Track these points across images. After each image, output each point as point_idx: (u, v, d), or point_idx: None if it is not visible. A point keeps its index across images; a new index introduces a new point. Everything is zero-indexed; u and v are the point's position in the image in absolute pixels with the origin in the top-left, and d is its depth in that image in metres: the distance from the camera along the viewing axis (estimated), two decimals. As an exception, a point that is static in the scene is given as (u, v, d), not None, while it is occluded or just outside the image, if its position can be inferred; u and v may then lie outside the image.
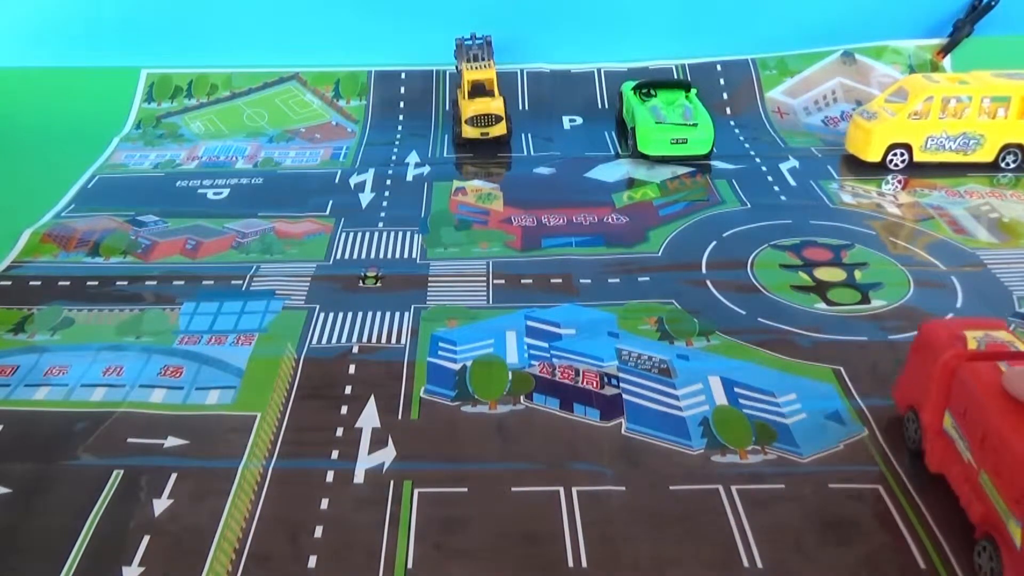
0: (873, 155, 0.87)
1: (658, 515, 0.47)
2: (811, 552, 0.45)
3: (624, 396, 0.56)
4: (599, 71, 1.08)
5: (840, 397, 0.55)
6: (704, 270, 0.71)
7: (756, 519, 0.46)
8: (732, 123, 1.00)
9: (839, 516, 0.47)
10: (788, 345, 0.61)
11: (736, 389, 0.56)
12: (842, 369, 0.58)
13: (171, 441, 0.53)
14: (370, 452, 0.52)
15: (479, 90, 0.94)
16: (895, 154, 0.87)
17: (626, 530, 0.46)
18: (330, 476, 0.50)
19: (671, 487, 0.49)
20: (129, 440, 0.53)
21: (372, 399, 0.56)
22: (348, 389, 0.58)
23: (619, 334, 0.62)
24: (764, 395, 0.56)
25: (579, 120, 1.03)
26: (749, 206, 0.81)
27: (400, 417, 0.55)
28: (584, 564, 0.44)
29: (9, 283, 0.71)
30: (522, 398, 0.56)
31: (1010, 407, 0.42)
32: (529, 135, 0.99)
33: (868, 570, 0.44)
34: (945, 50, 1.05)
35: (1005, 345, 0.46)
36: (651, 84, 0.96)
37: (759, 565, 0.44)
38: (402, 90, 1.08)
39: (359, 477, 0.50)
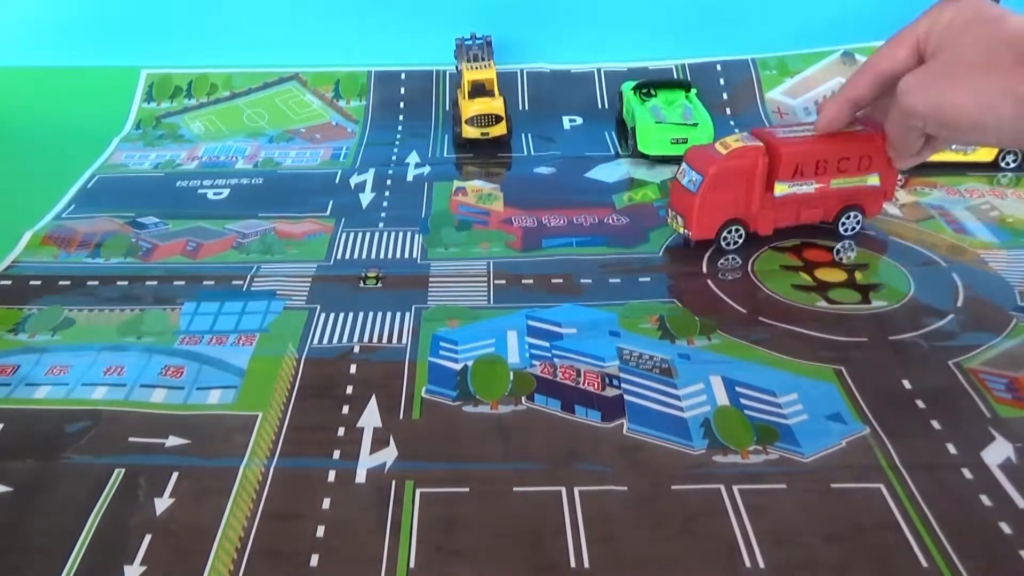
0: (873, 155, 0.87)
1: (660, 515, 0.47)
2: (813, 552, 0.45)
3: (625, 397, 0.56)
4: (599, 71, 1.08)
5: (842, 397, 0.55)
6: (705, 270, 0.71)
7: (758, 519, 0.46)
8: (732, 123, 1.00)
9: (841, 516, 0.47)
10: (789, 345, 0.61)
11: (737, 388, 0.56)
12: (843, 369, 0.58)
13: (172, 440, 0.53)
14: (371, 452, 0.52)
15: (479, 90, 0.94)
16: (895, 154, 0.86)
17: (628, 530, 0.46)
18: (331, 476, 0.50)
19: (673, 487, 0.49)
20: (130, 439, 0.53)
21: (373, 399, 0.56)
22: (349, 389, 0.58)
23: (620, 333, 0.62)
24: (765, 395, 0.56)
25: (579, 120, 1.03)
26: (749, 206, 0.81)
27: (401, 417, 0.55)
28: (586, 564, 0.44)
29: (9, 283, 0.71)
30: (523, 399, 0.56)
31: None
32: (529, 135, 0.99)
33: (870, 569, 0.44)
34: (945, 50, 1.05)
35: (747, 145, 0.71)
36: (651, 84, 0.96)
37: (761, 565, 0.44)
38: (402, 90, 1.08)
39: (361, 477, 0.50)
